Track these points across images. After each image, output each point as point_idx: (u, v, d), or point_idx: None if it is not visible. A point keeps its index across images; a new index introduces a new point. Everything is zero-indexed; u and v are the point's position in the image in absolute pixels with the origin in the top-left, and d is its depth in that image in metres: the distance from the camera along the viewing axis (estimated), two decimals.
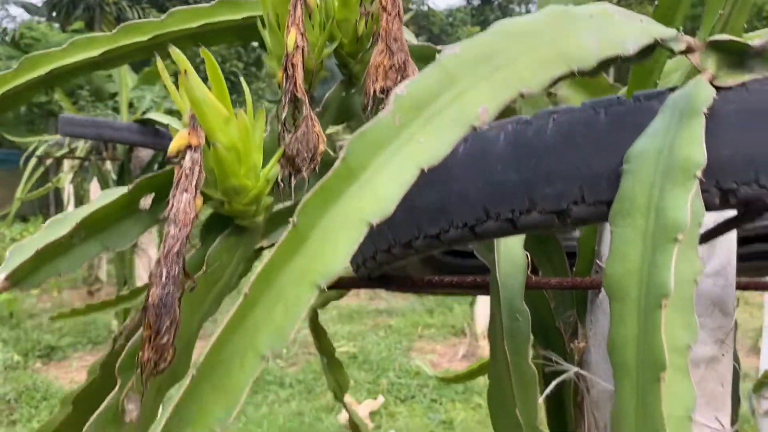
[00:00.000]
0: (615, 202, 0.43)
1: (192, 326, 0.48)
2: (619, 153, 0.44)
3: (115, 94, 12.85)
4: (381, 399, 4.52)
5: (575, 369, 0.71)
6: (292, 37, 0.51)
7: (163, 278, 0.42)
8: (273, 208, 0.52)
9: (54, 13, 18.87)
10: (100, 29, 17.11)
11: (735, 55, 0.45)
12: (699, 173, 0.39)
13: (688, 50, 0.44)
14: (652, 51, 0.43)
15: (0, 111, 0.79)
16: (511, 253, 0.67)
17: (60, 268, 0.45)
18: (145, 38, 0.69)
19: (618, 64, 0.41)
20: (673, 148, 0.41)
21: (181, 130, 0.46)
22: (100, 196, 0.49)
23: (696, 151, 0.39)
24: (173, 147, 0.45)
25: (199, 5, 0.71)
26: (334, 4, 0.57)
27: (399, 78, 0.51)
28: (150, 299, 0.42)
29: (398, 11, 0.53)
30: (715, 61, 0.45)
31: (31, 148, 8.27)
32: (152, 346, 0.43)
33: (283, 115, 0.51)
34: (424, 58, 0.60)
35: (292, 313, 0.33)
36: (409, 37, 0.73)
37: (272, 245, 0.36)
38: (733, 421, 0.72)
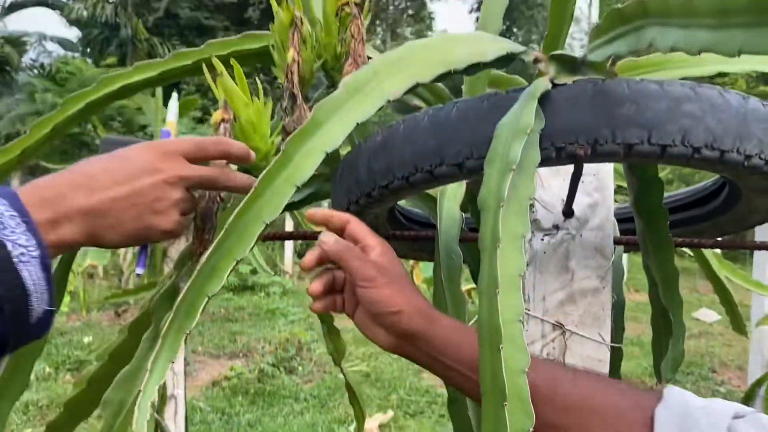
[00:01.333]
0: (487, 155, 0.68)
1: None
2: (494, 125, 0.70)
3: (144, 126, 13.38)
4: (390, 413, 4.71)
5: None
6: (290, 54, 0.78)
7: (207, 197, 0.69)
8: None
9: (88, 49, 19.63)
10: (131, 64, 17.78)
11: (570, 63, 0.71)
12: (528, 131, 0.64)
13: (536, 60, 0.70)
14: (509, 60, 0.69)
15: (51, 140, 1.03)
16: (450, 212, 0.93)
17: None
18: (190, 62, 0.96)
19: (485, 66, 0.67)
20: (518, 119, 0.66)
21: (218, 110, 0.73)
22: None
23: (528, 119, 0.65)
24: (214, 119, 0.72)
25: (230, 38, 0.98)
26: (321, 33, 0.84)
27: None
28: (199, 210, 0.69)
29: (362, 37, 0.79)
30: (556, 67, 0.71)
31: None
32: (199, 240, 0.69)
33: (284, 104, 0.78)
34: None
35: (281, 200, 0.58)
36: (372, 53, 0.99)
37: None
38: (617, 341, 0.95)
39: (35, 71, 18.98)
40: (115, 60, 15.95)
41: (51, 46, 21.73)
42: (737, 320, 1.38)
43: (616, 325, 0.96)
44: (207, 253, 0.56)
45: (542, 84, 0.68)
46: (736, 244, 1.03)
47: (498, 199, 0.62)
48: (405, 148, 0.77)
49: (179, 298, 0.56)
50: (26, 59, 20.93)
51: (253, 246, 0.60)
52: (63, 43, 21.89)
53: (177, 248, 3.06)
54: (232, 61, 0.73)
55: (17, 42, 19.71)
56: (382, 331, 0.70)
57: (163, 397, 3.21)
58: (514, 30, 28.59)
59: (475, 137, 0.72)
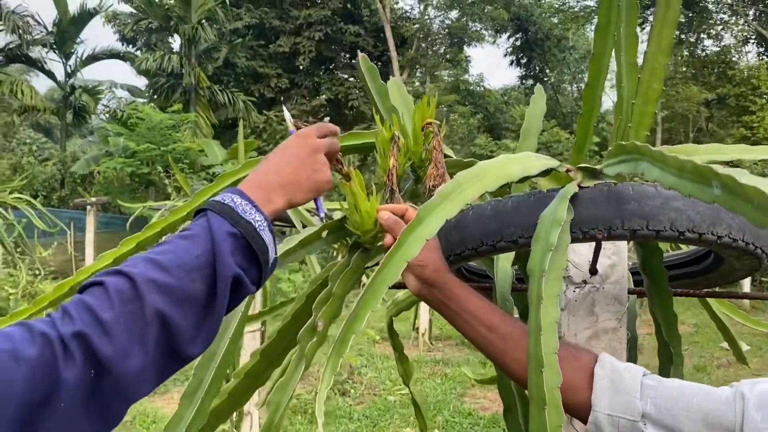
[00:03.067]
0: (533, 236, 0.93)
1: (347, 290, 1.01)
2: (538, 215, 0.95)
3: (207, 167, 13.96)
4: None
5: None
6: (391, 161, 1.06)
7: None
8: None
9: (155, 96, 20.51)
10: (194, 110, 18.60)
11: (592, 172, 0.97)
12: (562, 223, 0.89)
13: (568, 171, 0.96)
14: (550, 172, 0.95)
15: None
16: (503, 268, 1.18)
17: (291, 259, 1.00)
18: None
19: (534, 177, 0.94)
20: (555, 213, 0.92)
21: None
22: (304, 231, 1.04)
23: (562, 214, 0.90)
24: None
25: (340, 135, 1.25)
26: (411, 143, 1.11)
27: (441, 181, 1.04)
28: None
29: (440, 148, 1.07)
30: (582, 174, 0.96)
31: (136, 213, 9.08)
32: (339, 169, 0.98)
33: (386, 196, 1.05)
34: (460, 165, 1.13)
35: (398, 270, 0.85)
36: (449, 152, 1.27)
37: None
38: None
39: (107, 116, 19.87)
40: (180, 107, 16.64)
41: (121, 93, 22.81)
42: (738, 351, 1.59)
43: (630, 356, 1.20)
44: (354, 303, 0.84)
45: (572, 188, 0.94)
46: (724, 294, 1.26)
47: (541, 269, 0.88)
48: (474, 228, 1.03)
49: (337, 334, 0.84)
50: (99, 105, 21.98)
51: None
52: (131, 90, 22.93)
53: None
54: (356, 171, 1.01)
55: (93, 91, 20.73)
56: (413, 278, 0.98)
57: (240, 413, 3.48)
58: (547, 71, 28.81)
59: (525, 222, 0.98)
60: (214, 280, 0.77)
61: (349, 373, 6.35)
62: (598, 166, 0.97)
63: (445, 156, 1.21)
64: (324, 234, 1.05)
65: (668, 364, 1.15)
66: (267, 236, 0.83)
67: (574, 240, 0.94)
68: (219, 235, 0.78)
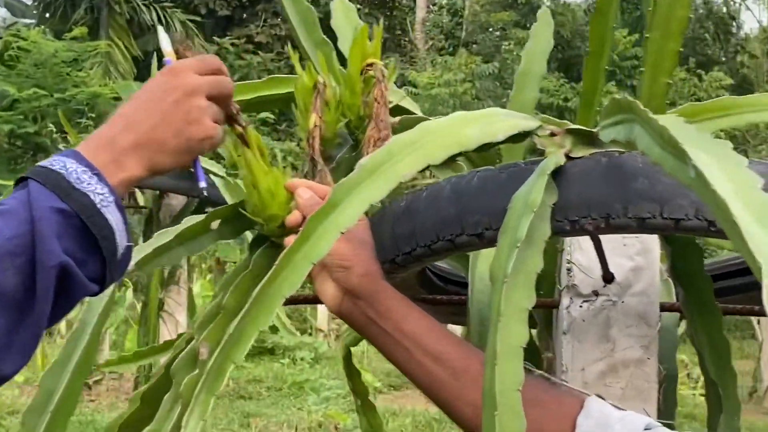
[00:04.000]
0: (501, 227, 1.03)
1: (243, 303, 1.11)
2: (510, 196, 1.05)
3: None
4: None
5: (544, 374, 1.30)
6: (312, 120, 1.15)
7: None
8: None
9: (47, 15, 20.67)
10: (107, 36, 18.74)
11: (588, 137, 1.06)
12: (535, 209, 0.98)
13: (552, 134, 1.06)
14: (522, 137, 1.05)
15: None
16: (483, 275, 1.28)
17: (164, 261, 1.10)
18: None
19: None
20: (529, 194, 1.01)
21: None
22: (186, 221, 1.15)
23: (536, 196, 0.99)
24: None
25: (255, 81, 1.36)
26: (345, 93, 1.21)
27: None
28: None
29: (385, 101, 1.16)
30: (572, 140, 1.06)
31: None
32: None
33: (305, 169, 1.15)
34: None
35: (300, 276, 0.95)
36: (412, 106, 1.37)
37: None
38: (667, 417, 1.28)
39: None
40: (84, 31, 16.78)
41: None
42: None
43: (666, 399, 1.29)
44: (235, 321, 0.94)
45: (554, 160, 1.03)
46: None
47: (504, 273, 0.97)
48: (427, 215, 1.13)
49: (210, 361, 0.94)
50: None
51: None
52: (11, 6, 23.09)
53: (174, 327, 3.50)
54: (257, 134, 1.10)
55: None
56: (332, 286, 1.06)
57: None
58: None
59: (493, 207, 1.07)
60: (33, 272, 0.85)
61: None
62: (595, 129, 1.06)
63: (404, 111, 1.31)
64: (214, 224, 1.15)
65: (716, 412, 1.24)
66: (113, 215, 0.91)
67: (557, 232, 1.03)
68: (41, 212, 0.86)
